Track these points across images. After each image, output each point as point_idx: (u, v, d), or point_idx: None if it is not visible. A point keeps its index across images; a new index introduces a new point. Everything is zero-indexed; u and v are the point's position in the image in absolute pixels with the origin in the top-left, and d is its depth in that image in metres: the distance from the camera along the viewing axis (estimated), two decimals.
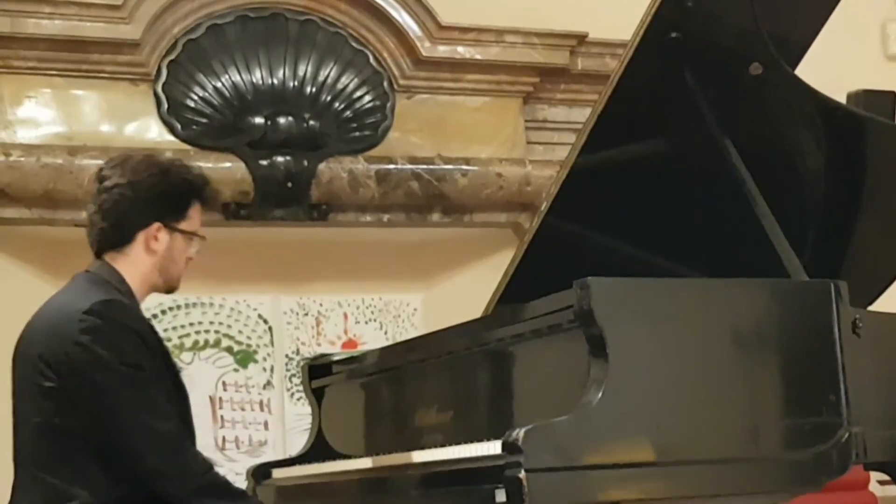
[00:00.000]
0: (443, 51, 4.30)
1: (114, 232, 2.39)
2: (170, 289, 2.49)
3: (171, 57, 4.04)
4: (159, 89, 4.01)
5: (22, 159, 3.80)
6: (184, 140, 4.01)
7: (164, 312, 4.07)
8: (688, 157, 2.55)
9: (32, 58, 3.88)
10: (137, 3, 3.93)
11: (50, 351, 2.28)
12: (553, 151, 4.30)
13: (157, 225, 2.39)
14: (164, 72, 4.02)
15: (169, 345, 4.04)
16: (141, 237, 2.38)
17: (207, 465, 2.31)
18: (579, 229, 2.66)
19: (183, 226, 2.42)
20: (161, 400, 2.29)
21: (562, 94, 4.47)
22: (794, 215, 2.43)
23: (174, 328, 4.08)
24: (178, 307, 4.08)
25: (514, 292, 2.66)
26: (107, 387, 2.24)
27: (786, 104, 2.57)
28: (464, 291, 4.01)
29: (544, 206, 2.64)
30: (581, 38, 4.38)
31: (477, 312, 2.77)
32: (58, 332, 2.29)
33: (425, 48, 4.27)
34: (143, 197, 2.38)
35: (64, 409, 2.26)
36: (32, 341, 2.35)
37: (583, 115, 2.76)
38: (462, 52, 4.32)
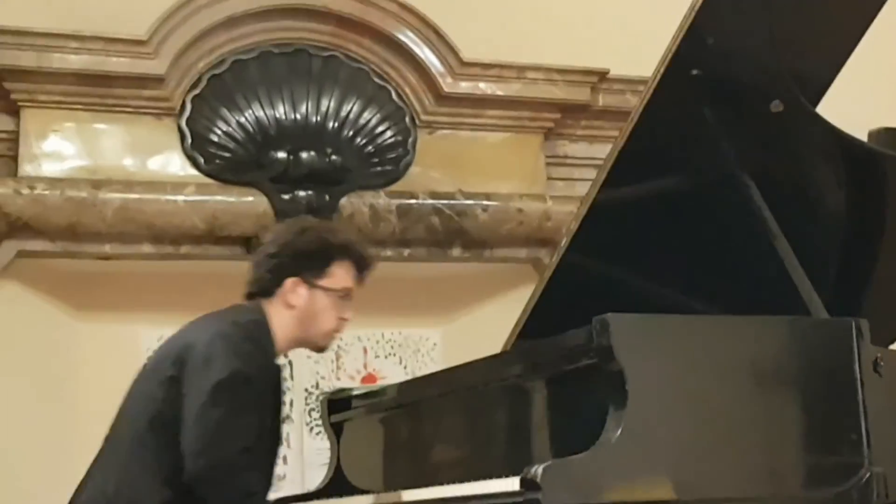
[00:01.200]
0: (464, 87, 4.32)
1: (264, 281, 2.60)
2: (317, 347, 2.65)
3: (196, 92, 4.06)
4: (183, 124, 4.04)
5: (46, 192, 3.83)
6: (207, 174, 4.03)
7: None
8: (708, 194, 2.55)
9: (58, 92, 3.92)
10: (163, 38, 3.97)
11: (185, 345, 2.46)
12: (573, 187, 4.30)
13: (294, 280, 2.55)
14: (189, 106, 4.05)
15: None
16: (282, 290, 2.56)
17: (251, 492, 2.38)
18: (599, 265, 2.66)
19: (323, 283, 2.57)
20: (246, 421, 2.38)
21: (583, 130, 4.48)
22: (814, 252, 2.42)
23: None
24: None
25: (534, 328, 2.66)
26: (207, 380, 2.37)
27: (806, 142, 2.57)
28: (483, 326, 4.01)
29: (564, 242, 2.65)
30: (602, 75, 4.39)
31: (496, 348, 2.77)
32: (199, 332, 2.48)
33: (447, 84, 4.29)
34: (286, 254, 2.59)
35: (170, 398, 2.41)
36: (176, 338, 2.54)
37: (603, 151, 2.77)
38: (484, 88, 4.34)
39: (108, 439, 2.52)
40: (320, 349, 2.67)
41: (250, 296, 2.61)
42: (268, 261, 2.60)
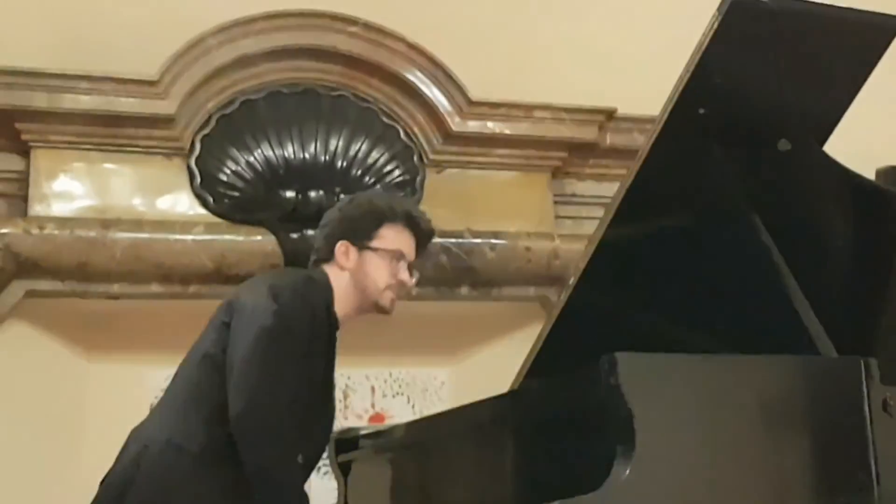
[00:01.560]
0: (472, 126, 4.33)
1: (321, 249, 2.77)
2: (379, 308, 2.75)
3: (205, 131, 4.09)
4: (192, 163, 4.06)
5: (55, 232, 3.84)
6: (215, 213, 4.04)
7: None
8: (716, 232, 2.55)
9: (69, 132, 3.94)
10: (173, 78, 4.00)
11: (237, 295, 2.62)
12: (581, 226, 4.31)
13: (343, 242, 2.70)
14: (198, 146, 4.07)
15: None
16: (336, 255, 2.71)
17: (290, 458, 2.47)
18: (607, 304, 2.65)
19: (372, 244, 2.71)
20: (287, 371, 2.45)
21: (590, 168, 4.49)
22: (822, 290, 2.41)
23: None
24: None
25: (542, 366, 2.65)
26: (251, 326, 2.47)
27: (814, 180, 2.57)
28: (492, 365, 4.01)
29: (572, 281, 2.64)
30: (610, 114, 4.41)
31: (505, 386, 2.77)
32: (253, 285, 2.64)
33: (455, 123, 4.31)
34: (336, 220, 2.77)
35: (221, 341, 2.52)
36: (234, 292, 2.69)
37: (611, 190, 2.77)
38: (491, 127, 4.36)
39: (171, 380, 2.65)
40: (383, 310, 2.76)
41: (316, 263, 2.76)
42: (322, 230, 2.78)
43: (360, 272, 2.70)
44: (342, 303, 2.69)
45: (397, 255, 2.72)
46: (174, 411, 2.55)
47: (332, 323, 2.66)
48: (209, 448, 2.44)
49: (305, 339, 2.52)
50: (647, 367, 2.05)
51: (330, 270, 2.72)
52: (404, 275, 2.73)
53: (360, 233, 2.73)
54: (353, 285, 2.70)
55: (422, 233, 2.80)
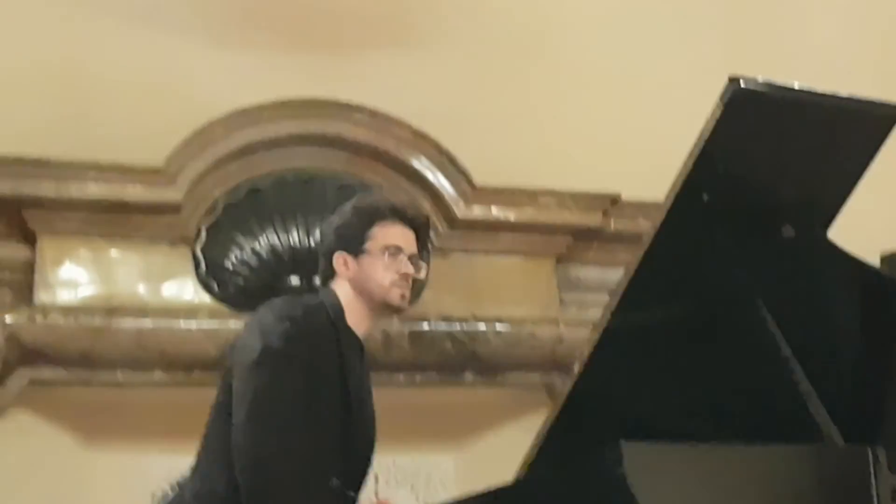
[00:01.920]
0: (477, 212, 4.35)
1: (323, 268, 2.78)
2: (389, 307, 2.74)
3: (211, 219, 4.10)
4: (198, 251, 4.07)
5: (60, 320, 3.84)
6: (221, 300, 4.04)
7: None
8: (721, 318, 2.54)
9: (75, 220, 3.96)
10: (179, 167, 4.03)
11: (237, 334, 2.67)
12: (586, 311, 4.29)
13: (339, 255, 2.72)
14: (204, 234, 4.08)
15: None
16: (336, 269, 2.72)
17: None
18: (612, 391, 2.63)
19: (365, 246, 2.71)
20: (288, 408, 2.44)
21: (595, 254, 4.49)
22: (829, 378, 2.40)
23: None
24: None
25: (548, 454, 2.62)
26: (243, 365, 2.50)
27: (819, 266, 2.57)
28: (497, 453, 3.96)
29: (577, 368, 2.63)
30: (614, 199, 4.42)
31: (510, 474, 2.74)
32: (251, 321, 2.64)
33: (460, 209, 4.32)
34: (327, 236, 2.79)
35: (226, 385, 2.55)
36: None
37: (616, 275, 2.77)
38: (496, 212, 4.37)
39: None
40: (394, 308, 2.75)
41: (324, 283, 2.78)
42: (319, 249, 2.81)
43: (361, 277, 2.70)
44: (354, 314, 2.69)
45: (392, 250, 2.71)
46: (204, 459, 2.61)
47: (347, 337, 2.66)
48: (236, 492, 2.45)
49: (310, 367, 2.51)
50: (654, 458, 2.03)
51: (336, 286, 2.73)
52: (407, 267, 2.72)
53: (352, 240, 2.73)
54: (359, 292, 2.70)
55: (413, 221, 2.78)
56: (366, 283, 2.70)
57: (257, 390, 2.46)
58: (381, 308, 2.73)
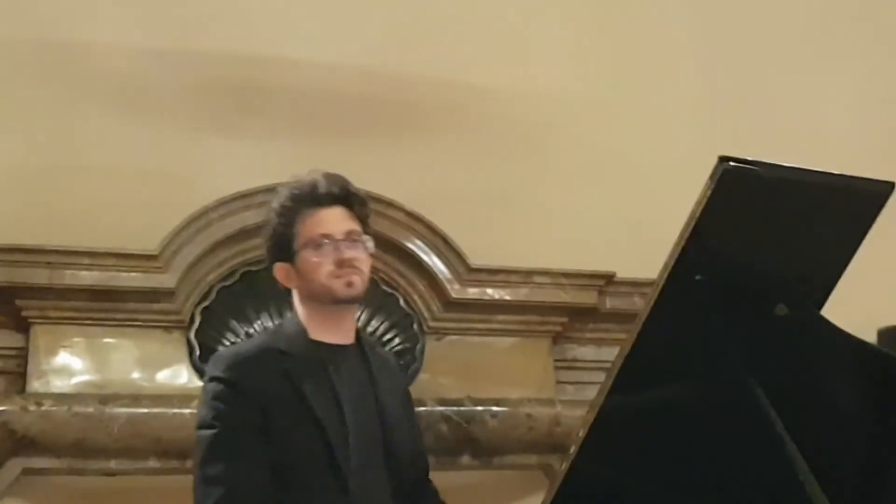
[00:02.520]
0: (472, 293, 4.34)
1: (278, 287, 2.61)
2: (333, 299, 2.48)
3: (205, 304, 4.10)
4: (192, 336, 4.05)
5: (53, 408, 3.82)
6: None
7: None
8: (716, 400, 2.52)
9: (69, 308, 3.95)
10: (174, 252, 4.03)
11: None
12: (583, 391, 4.28)
13: (278, 267, 2.55)
14: (198, 318, 4.08)
15: None
16: (282, 283, 2.56)
17: None
18: (609, 472, 2.61)
19: (295, 248, 2.50)
20: (231, 461, 2.34)
21: (591, 333, 4.48)
22: (826, 457, 2.37)
23: None
24: None
25: None
26: (196, 436, 2.49)
27: (813, 344, 2.56)
28: None
29: (573, 450, 2.61)
30: (609, 278, 4.43)
31: None
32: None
33: (455, 290, 4.31)
34: (265, 252, 2.62)
35: None
36: None
37: (612, 354, 2.75)
38: (491, 293, 4.36)
39: None
40: (342, 298, 2.49)
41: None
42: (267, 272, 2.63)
43: (304, 283, 2.51)
44: (312, 320, 2.49)
45: (318, 241, 2.48)
46: None
47: (315, 350, 2.45)
48: None
49: (259, 403, 2.35)
50: None
51: (294, 301, 2.57)
52: (341, 252, 2.47)
53: (282, 247, 2.53)
54: (304, 297, 2.52)
55: (328, 198, 2.52)
56: (309, 286, 2.50)
57: (203, 448, 2.45)
58: (331, 303, 2.49)
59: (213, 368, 2.42)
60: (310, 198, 2.51)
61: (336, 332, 2.47)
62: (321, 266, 2.45)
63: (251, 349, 2.47)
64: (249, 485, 2.30)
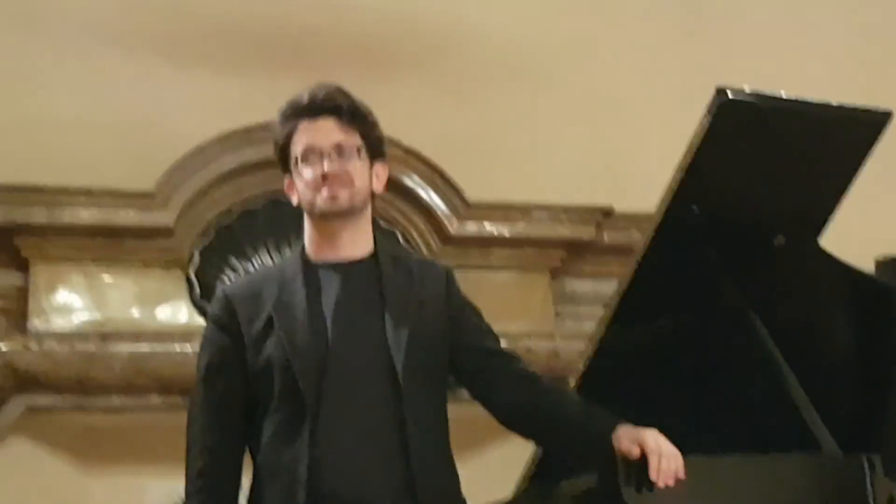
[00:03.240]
0: (471, 228, 4.34)
1: None
2: (322, 214, 2.30)
3: (204, 242, 4.10)
4: (191, 274, 4.06)
5: (55, 347, 3.84)
6: None
7: None
8: (714, 330, 2.54)
9: (67, 246, 3.96)
10: (171, 190, 4.02)
11: None
12: (582, 325, 4.29)
13: (286, 181, 2.35)
14: (197, 257, 4.08)
15: None
16: (290, 197, 2.35)
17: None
18: (609, 404, 2.62)
19: (291, 162, 2.32)
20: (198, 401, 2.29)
21: (589, 267, 4.48)
22: (824, 386, 2.40)
23: None
24: None
25: (546, 471, 2.62)
26: None
27: (811, 274, 2.57)
28: (495, 468, 3.94)
29: (573, 381, 2.63)
30: (607, 212, 4.42)
31: (507, 490, 2.73)
32: None
33: (453, 226, 4.32)
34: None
35: None
36: None
37: (610, 288, 2.77)
38: (490, 228, 4.37)
39: None
40: (323, 213, 2.29)
41: None
42: None
43: (300, 197, 2.32)
44: (311, 238, 2.32)
45: (303, 156, 2.30)
46: None
47: (308, 271, 2.29)
48: None
49: (241, 340, 2.24)
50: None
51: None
52: (322, 167, 2.27)
53: (285, 160, 2.35)
54: (305, 211, 2.34)
55: (316, 109, 2.33)
56: (302, 200, 2.32)
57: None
58: (323, 220, 2.31)
59: (208, 309, 2.39)
60: (300, 110, 2.35)
61: (336, 247, 2.31)
62: (308, 180, 2.29)
63: (242, 282, 2.41)
64: (212, 436, 2.27)
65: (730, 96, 2.35)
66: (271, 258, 4.11)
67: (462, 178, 4.35)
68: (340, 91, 2.40)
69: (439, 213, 4.31)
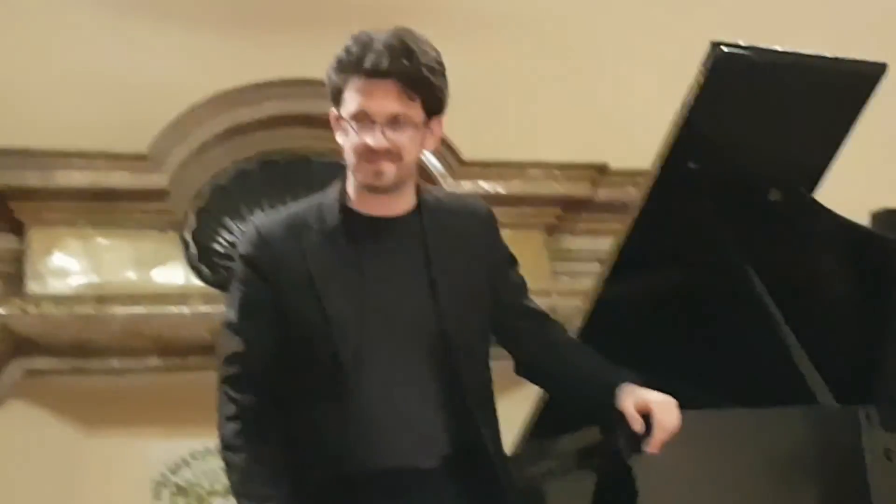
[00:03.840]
0: (466, 187, 4.34)
1: None
2: (362, 184, 2.13)
3: (199, 203, 4.10)
4: (187, 236, 4.06)
5: (53, 310, 3.84)
6: (212, 284, 4.04)
7: (194, 458, 4.03)
8: (711, 285, 2.55)
9: (62, 210, 3.95)
10: (164, 152, 4.02)
11: None
12: (579, 281, 4.29)
13: (332, 113, 2.16)
14: (192, 218, 4.08)
15: (201, 490, 4.05)
16: (335, 131, 2.16)
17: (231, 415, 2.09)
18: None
19: (341, 111, 2.13)
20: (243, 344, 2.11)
21: (585, 224, 4.48)
22: (820, 339, 2.40)
23: (204, 473, 4.04)
24: (210, 452, 4.06)
25: (545, 424, 2.64)
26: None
27: (807, 228, 2.57)
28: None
29: None
30: (602, 169, 4.42)
31: (507, 447, 2.74)
32: None
33: (448, 184, 4.31)
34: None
35: None
36: None
37: (607, 244, 2.77)
38: (485, 186, 4.36)
39: None
40: (366, 187, 2.12)
41: None
42: None
43: (344, 147, 2.14)
44: (353, 186, 2.14)
45: (357, 117, 2.09)
46: None
47: (348, 223, 2.13)
48: None
49: (273, 282, 2.10)
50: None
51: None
52: (373, 139, 2.08)
53: (336, 96, 2.14)
54: (350, 165, 2.14)
55: (376, 71, 2.08)
56: (346, 153, 2.14)
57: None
58: (366, 188, 2.14)
59: (238, 245, 2.25)
60: (360, 64, 2.11)
61: (379, 205, 2.15)
62: (354, 146, 2.11)
63: (273, 222, 2.12)
64: (258, 365, 2.18)
65: (724, 50, 2.34)
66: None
67: (456, 136, 4.33)
68: (407, 48, 2.15)
69: (434, 171, 4.31)
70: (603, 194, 4.44)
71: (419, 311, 2.12)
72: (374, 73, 2.09)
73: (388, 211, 2.17)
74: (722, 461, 2.09)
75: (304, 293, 2.11)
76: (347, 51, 2.13)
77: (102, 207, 3.99)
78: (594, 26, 4.70)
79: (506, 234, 4.27)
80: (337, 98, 2.14)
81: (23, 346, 3.84)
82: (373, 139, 2.09)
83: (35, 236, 3.94)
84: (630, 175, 4.23)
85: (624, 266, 2.53)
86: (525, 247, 4.43)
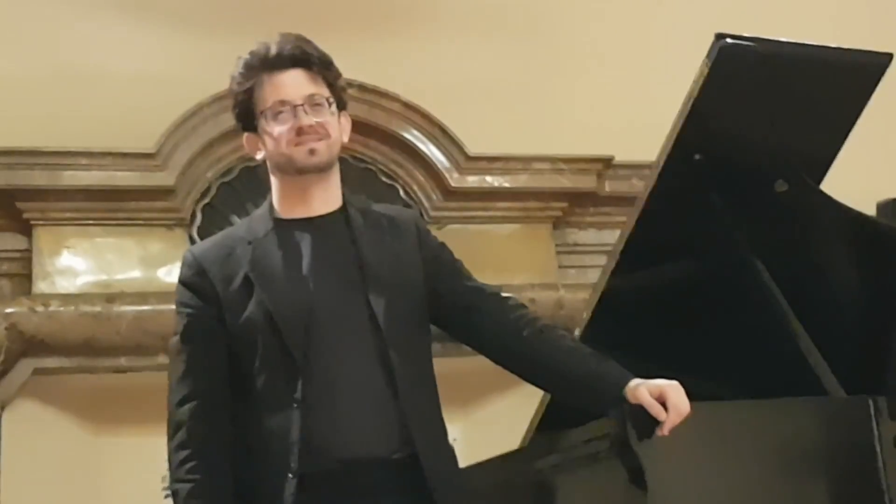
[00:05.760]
0: (472, 181, 4.35)
1: None
2: (295, 169, 2.23)
3: (205, 201, 4.11)
4: (194, 233, 4.07)
5: (60, 309, 3.85)
6: None
7: None
8: (718, 277, 2.54)
9: (69, 209, 3.96)
10: (171, 150, 4.03)
11: None
12: (585, 274, 4.30)
13: (246, 138, 2.29)
14: (199, 216, 4.09)
15: None
16: (252, 154, 2.30)
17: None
18: (614, 353, 2.64)
19: (257, 116, 2.24)
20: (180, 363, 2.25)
21: (591, 217, 4.50)
22: (828, 330, 2.40)
23: None
24: None
25: (553, 420, 2.64)
26: None
27: (813, 220, 2.57)
28: (503, 420, 3.97)
29: (577, 332, 2.64)
30: (607, 162, 4.42)
31: (516, 442, 2.75)
32: None
33: (454, 179, 4.32)
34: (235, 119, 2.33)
35: None
36: None
37: (613, 237, 2.78)
38: (491, 181, 4.37)
39: None
40: (302, 169, 2.22)
41: None
42: None
43: (269, 153, 2.24)
44: (282, 194, 2.26)
45: (274, 110, 2.21)
46: None
47: (280, 228, 2.23)
48: None
49: (215, 301, 2.18)
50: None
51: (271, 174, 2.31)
52: (298, 119, 2.19)
53: (246, 116, 2.26)
54: (274, 168, 2.25)
55: (283, 60, 2.24)
56: (273, 157, 2.23)
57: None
58: (300, 176, 2.24)
59: (179, 274, 2.31)
60: (264, 62, 2.25)
61: (308, 203, 2.26)
62: (281, 135, 2.21)
63: (209, 243, 2.27)
64: (195, 394, 2.25)
65: (729, 41, 2.34)
66: None
67: (462, 131, 4.34)
68: (305, 40, 2.30)
69: (440, 166, 4.32)
70: (609, 187, 4.45)
71: (355, 305, 2.18)
72: (280, 65, 2.23)
73: (317, 211, 2.26)
74: (731, 453, 2.09)
75: (248, 301, 2.16)
76: (251, 55, 2.26)
77: (110, 206, 4.00)
78: (599, 19, 4.71)
79: (512, 229, 4.38)
80: (248, 107, 2.24)
81: (31, 344, 3.85)
82: (298, 119, 2.20)
83: (43, 236, 3.95)
84: (636, 168, 4.24)
85: (630, 258, 2.53)
86: (531, 241, 4.45)
